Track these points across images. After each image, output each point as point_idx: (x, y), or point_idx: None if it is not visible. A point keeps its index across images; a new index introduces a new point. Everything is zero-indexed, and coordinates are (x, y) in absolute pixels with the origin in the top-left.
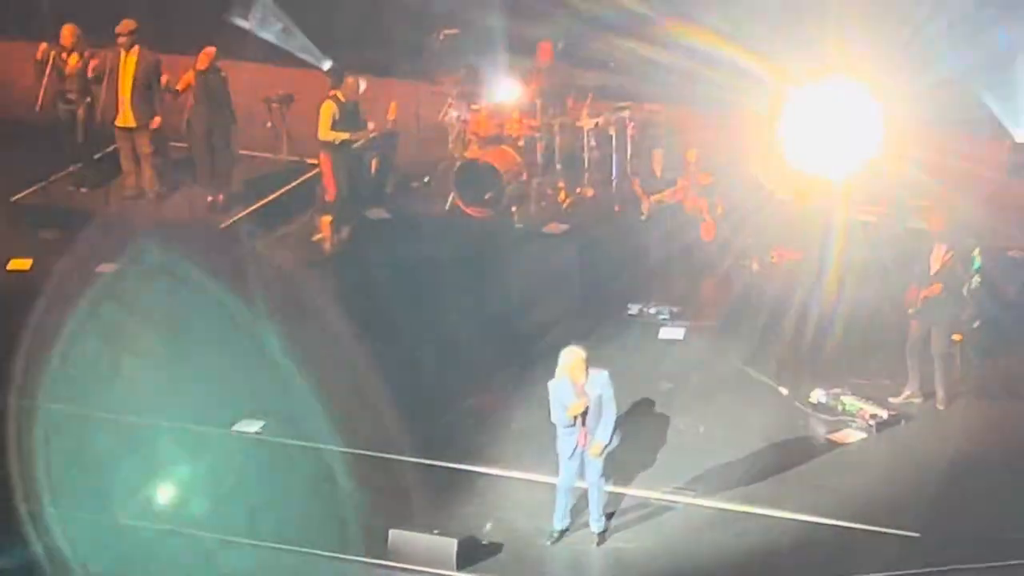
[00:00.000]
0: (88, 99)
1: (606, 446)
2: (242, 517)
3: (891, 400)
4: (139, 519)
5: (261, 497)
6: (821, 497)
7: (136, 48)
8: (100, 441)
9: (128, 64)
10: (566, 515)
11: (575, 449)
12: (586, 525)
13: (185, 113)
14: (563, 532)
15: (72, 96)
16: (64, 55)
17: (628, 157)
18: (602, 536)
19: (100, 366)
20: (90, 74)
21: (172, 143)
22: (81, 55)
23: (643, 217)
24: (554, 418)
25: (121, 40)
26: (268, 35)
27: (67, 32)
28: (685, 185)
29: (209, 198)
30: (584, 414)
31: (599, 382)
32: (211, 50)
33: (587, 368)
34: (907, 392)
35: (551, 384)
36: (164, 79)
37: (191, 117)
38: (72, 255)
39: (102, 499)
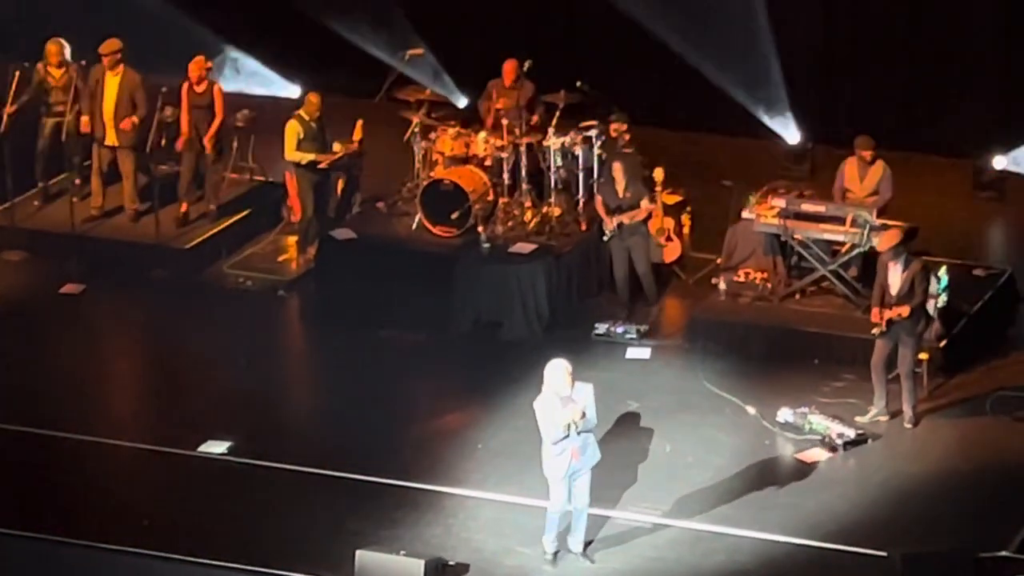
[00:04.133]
0: (69, 115)
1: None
2: (207, 538)
3: (858, 419)
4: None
5: (226, 518)
6: (788, 516)
7: (120, 68)
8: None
9: (111, 84)
10: (556, 538)
11: (568, 468)
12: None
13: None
14: (556, 553)
15: (60, 109)
16: (48, 69)
17: (596, 176)
18: (586, 554)
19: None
20: (71, 89)
21: (158, 164)
22: (65, 70)
23: (605, 238)
24: (545, 436)
25: (105, 60)
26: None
27: (52, 48)
28: (650, 205)
29: (183, 208)
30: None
31: (583, 394)
32: (203, 61)
33: (572, 380)
34: (874, 411)
35: (536, 403)
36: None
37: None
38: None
39: None
